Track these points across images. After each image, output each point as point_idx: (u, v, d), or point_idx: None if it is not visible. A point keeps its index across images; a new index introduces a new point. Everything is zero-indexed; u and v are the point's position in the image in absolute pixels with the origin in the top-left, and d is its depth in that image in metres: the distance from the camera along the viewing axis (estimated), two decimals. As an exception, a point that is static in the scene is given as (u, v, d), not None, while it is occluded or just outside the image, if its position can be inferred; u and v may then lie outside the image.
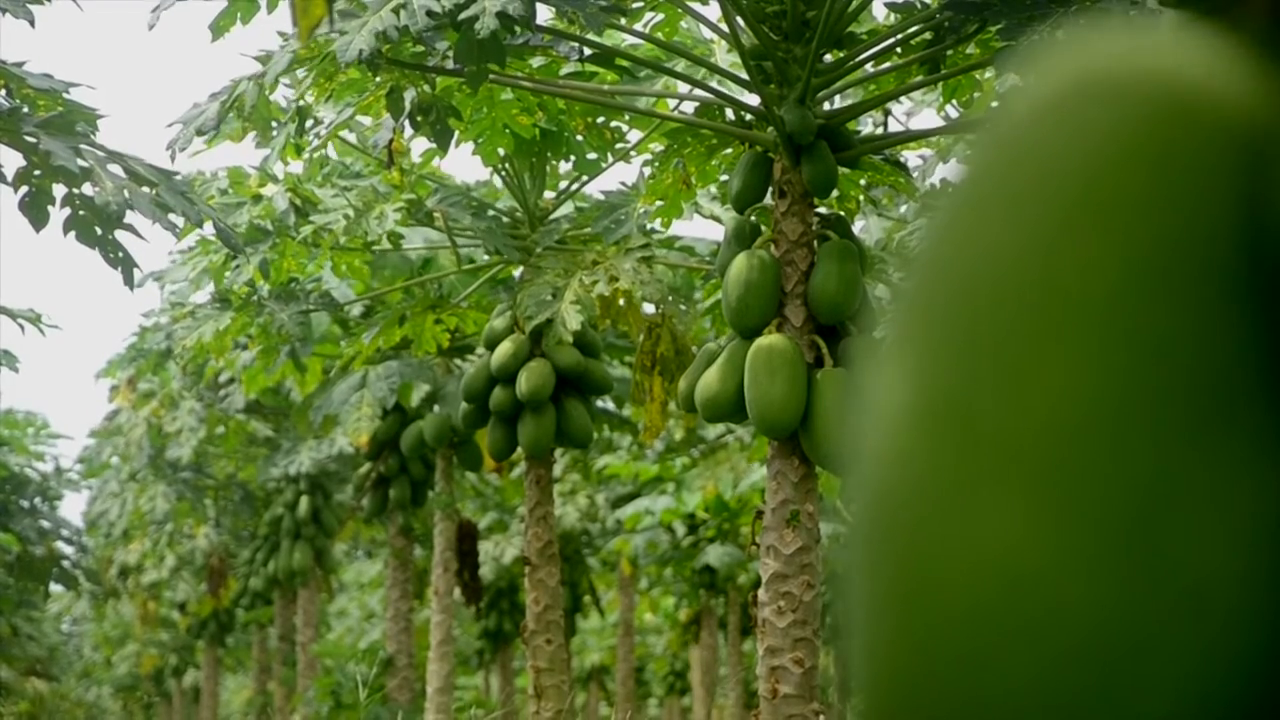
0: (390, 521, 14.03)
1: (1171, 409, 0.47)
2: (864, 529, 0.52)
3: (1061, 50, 0.53)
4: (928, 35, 6.21)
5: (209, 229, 7.54)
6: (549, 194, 9.14)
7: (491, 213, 8.96)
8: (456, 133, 6.80)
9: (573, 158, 7.83)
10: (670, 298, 7.92)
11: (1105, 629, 0.46)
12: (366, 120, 7.49)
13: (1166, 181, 0.49)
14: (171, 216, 5.81)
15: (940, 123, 7.09)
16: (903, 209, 8.37)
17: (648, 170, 7.09)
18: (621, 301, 8.00)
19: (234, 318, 8.76)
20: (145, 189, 5.76)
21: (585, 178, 8.72)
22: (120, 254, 5.84)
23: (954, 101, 6.70)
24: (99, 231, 5.74)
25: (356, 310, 10.80)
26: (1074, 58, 0.52)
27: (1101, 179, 0.49)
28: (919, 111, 7.95)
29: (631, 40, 7.37)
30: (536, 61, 6.77)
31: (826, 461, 5.99)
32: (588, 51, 6.54)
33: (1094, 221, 0.49)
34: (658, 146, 7.11)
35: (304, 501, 17.35)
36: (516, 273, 9.52)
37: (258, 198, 8.01)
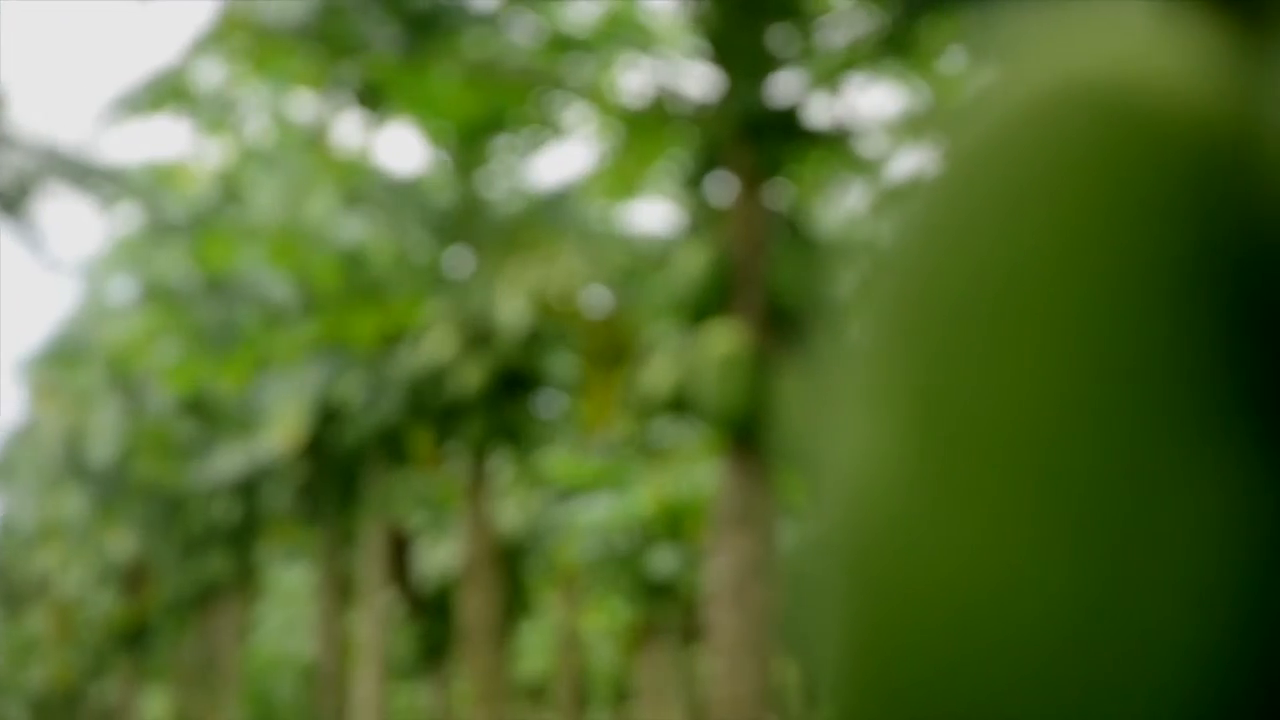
0: (320, 525, 13.96)
1: (1150, 414, 0.50)
2: (830, 535, 0.54)
3: (1028, 43, 0.56)
4: (888, 19, 6.23)
5: (134, 221, 7.52)
6: (491, 182, 9.13)
7: (430, 204, 8.95)
8: (394, 112, 6.81)
9: (516, 141, 7.84)
10: (617, 290, 7.94)
11: (1083, 637, 0.49)
12: (302, 101, 7.48)
13: (1140, 186, 0.52)
14: (92, 193, 5.82)
15: (897, 106, 7.13)
16: (854, 197, 8.40)
17: (597, 157, 7.12)
18: (566, 294, 8.01)
19: (158, 314, 8.74)
20: (64, 166, 5.76)
21: (528, 165, 8.72)
22: (35, 234, 5.84)
23: (911, 85, 6.74)
24: (14, 210, 5.73)
25: (290, 302, 10.77)
26: (1044, 53, 0.55)
27: (1072, 184, 0.53)
28: (875, 95, 8.00)
29: (586, 20, 7.39)
30: (482, 43, 6.77)
31: (780, 459, 5.99)
32: (539, 30, 6.55)
33: (1070, 226, 0.52)
34: (608, 132, 7.13)
35: (230, 506, 17.25)
36: (455, 264, 9.51)
37: (185, 183, 7.99)
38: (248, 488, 17.24)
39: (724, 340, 6.00)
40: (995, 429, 0.51)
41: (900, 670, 0.51)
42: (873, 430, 0.54)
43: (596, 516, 17.15)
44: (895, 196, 0.56)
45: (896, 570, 0.52)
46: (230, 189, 8.10)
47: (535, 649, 25.81)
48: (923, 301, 0.55)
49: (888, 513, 0.52)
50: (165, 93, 6.37)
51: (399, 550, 13.74)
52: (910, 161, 0.56)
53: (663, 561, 17.74)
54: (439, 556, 19.05)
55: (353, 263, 10.56)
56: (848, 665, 0.53)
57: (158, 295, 8.79)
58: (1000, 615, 0.50)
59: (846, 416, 0.55)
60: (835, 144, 6.56)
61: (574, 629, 19.86)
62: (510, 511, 18.44)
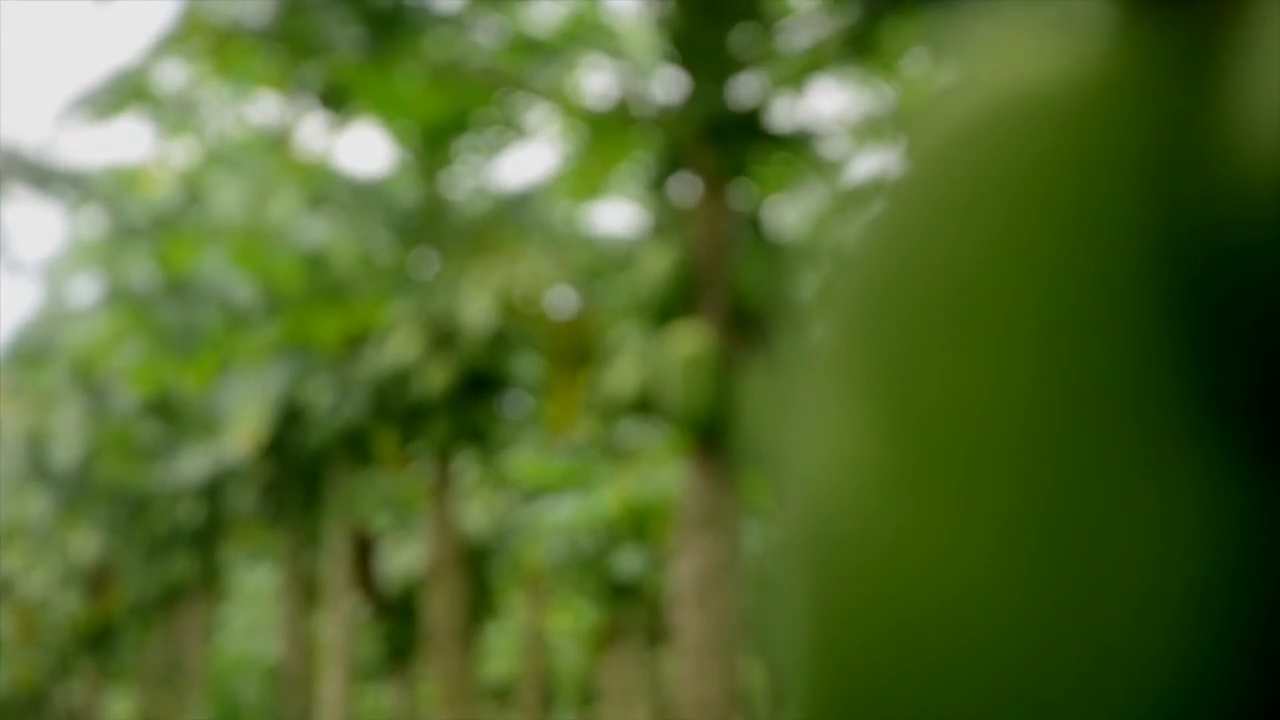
0: (284, 526, 13.93)
1: (1118, 416, 0.50)
2: (794, 536, 0.53)
3: (987, 43, 0.55)
4: (850, 23, 6.24)
5: (98, 223, 7.49)
6: (455, 183, 9.11)
7: (394, 205, 8.94)
8: (358, 114, 6.79)
9: (481, 142, 7.82)
10: (582, 291, 7.93)
11: (1048, 642, 0.49)
12: (264, 102, 7.45)
13: (1095, 189, 0.51)
14: (55, 196, 5.78)
15: (859, 107, 7.14)
16: (816, 195, 8.41)
17: (561, 158, 7.11)
18: (531, 295, 8.01)
19: (122, 317, 8.71)
20: (28, 169, 5.72)
21: (492, 167, 8.71)
22: None
23: (872, 87, 6.75)
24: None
25: (251, 304, 10.73)
26: (1002, 52, 0.54)
27: (1034, 183, 0.52)
28: (837, 97, 8.00)
29: (550, 22, 7.38)
30: (445, 44, 6.76)
31: (744, 460, 5.99)
32: (504, 32, 6.55)
33: (1027, 224, 0.52)
34: (572, 133, 7.12)
35: (194, 507, 17.20)
36: (420, 265, 9.49)
37: (147, 186, 7.96)
38: (211, 489, 17.19)
39: (688, 341, 6.00)
40: (959, 431, 0.50)
41: (863, 672, 0.50)
42: (837, 432, 0.53)
43: (562, 518, 17.13)
44: (857, 197, 0.55)
45: (860, 571, 0.51)
46: (193, 191, 8.07)
47: (501, 651, 25.79)
48: (886, 302, 0.53)
49: (852, 514, 0.51)
50: (127, 94, 6.33)
51: (364, 552, 13.71)
52: (871, 163, 0.55)
53: (628, 563, 17.73)
54: (404, 558, 19.02)
55: (316, 264, 10.53)
56: (811, 667, 0.52)
57: (121, 297, 8.76)
58: (964, 618, 0.49)
59: (810, 418, 0.54)
60: (798, 146, 6.56)
61: (539, 630, 19.84)
62: (475, 513, 18.42)
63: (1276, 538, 0.50)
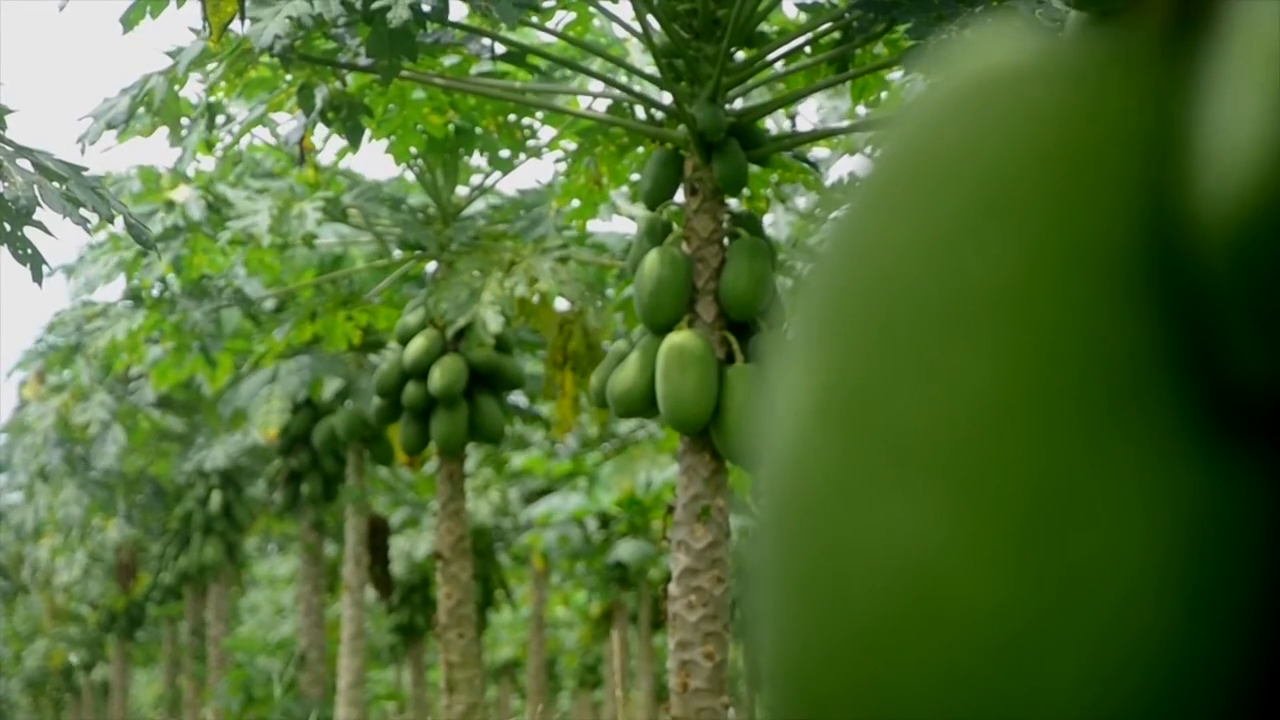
0: (302, 516, 13.95)
1: (1072, 403, 0.48)
2: (769, 523, 0.52)
3: (967, 49, 0.53)
4: (837, 35, 6.23)
5: (120, 226, 7.46)
6: (462, 190, 9.11)
7: (405, 208, 8.93)
8: (368, 130, 6.76)
9: (485, 155, 7.80)
10: (584, 296, 7.91)
11: (1005, 620, 0.46)
12: (280, 117, 7.43)
13: (1069, 178, 0.49)
14: (83, 211, 5.73)
15: (849, 121, 7.11)
16: (802, 201, 8.40)
17: (561, 169, 7.09)
18: (535, 299, 7.99)
19: (146, 316, 8.69)
20: (55, 184, 5.68)
21: (498, 174, 8.70)
22: (29, 250, 5.75)
23: (862, 100, 6.73)
24: (7, 228, 5.65)
25: (268, 305, 10.72)
26: (979, 56, 0.53)
27: (1004, 175, 0.50)
28: (828, 110, 7.98)
29: (544, 39, 7.36)
30: (449, 60, 6.74)
31: (736, 456, 5.99)
32: (500, 50, 6.53)
33: (995, 218, 0.50)
34: (570, 145, 7.09)
35: (215, 496, 17.22)
36: (429, 268, 9.49)
37: (170, 204, 7.96)
38: (233, 481, 17.21)
39: (685, 345, 5.99)
40: (922, 416, 0.49)
41: (825, 652, 0.49)
42: (805, 419, 0.52)
43: (566, 510, 17.18)
44: (836, 198, 0.53)
45: (825, 557, 0.49)
46: (214, 200, 8.04)
47: (507, 636, 25.83)
48: (846, 293, 0.52)
49: (820, 500, 0.50)
50: (152, 114, 6.28)
51: (379, 542, 13.72)
52: (850, 165, 0.52)
53: (628, 552, 17.79)
54: (417, 548, 19.03)
55: (331, 269, 10.52)
56: (780, 646, 0.51)
57: (144, 298, 8.73)
58: (925, 598, 0.47)
59: (783, 408, 0.53)
60: (794, 157, 6.55)
61: (543, 617, 19.86)
62: (484, 505, 18.43)
63: (1262, 534, 0.48)
